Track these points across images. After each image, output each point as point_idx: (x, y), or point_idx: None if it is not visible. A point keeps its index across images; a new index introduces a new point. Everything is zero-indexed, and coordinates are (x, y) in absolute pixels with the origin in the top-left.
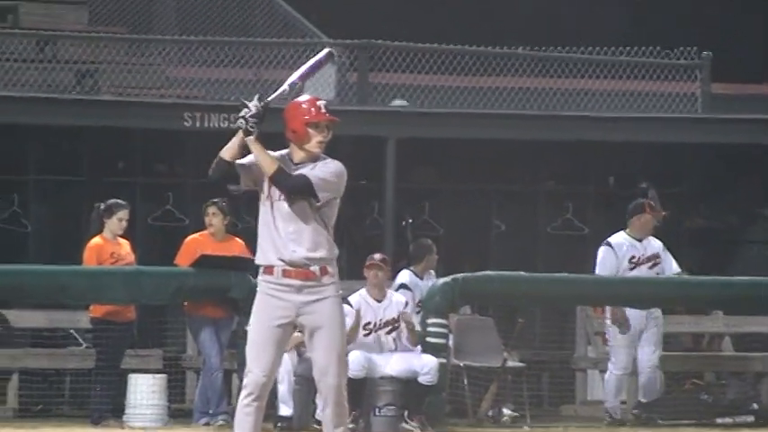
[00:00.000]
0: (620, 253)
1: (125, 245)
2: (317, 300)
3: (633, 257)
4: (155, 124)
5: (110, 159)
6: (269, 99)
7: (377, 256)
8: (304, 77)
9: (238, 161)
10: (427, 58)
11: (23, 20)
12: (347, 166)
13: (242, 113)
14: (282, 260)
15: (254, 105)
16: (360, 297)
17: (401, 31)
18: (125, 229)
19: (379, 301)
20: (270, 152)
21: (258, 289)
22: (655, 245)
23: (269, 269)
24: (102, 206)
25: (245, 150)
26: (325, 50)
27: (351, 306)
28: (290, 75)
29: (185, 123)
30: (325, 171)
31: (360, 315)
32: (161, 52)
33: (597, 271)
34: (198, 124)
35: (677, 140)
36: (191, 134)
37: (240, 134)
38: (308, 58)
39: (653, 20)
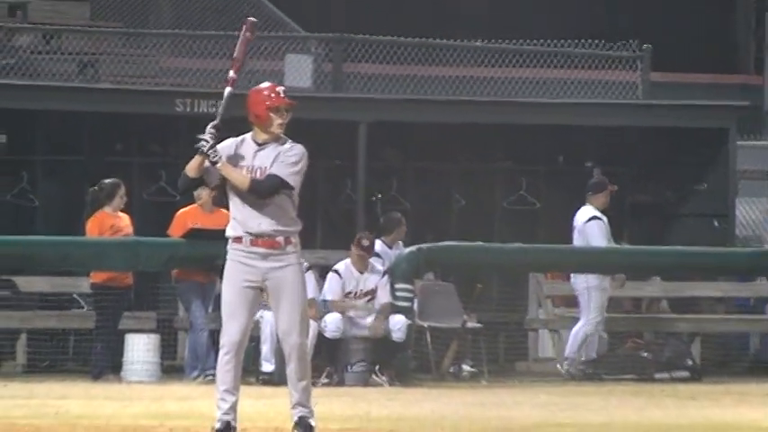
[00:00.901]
0: (605, 221)
1: (125, 218)
2: (281, 266)
3: None
4: (149, 109)
5: (109, 141)
6: (218, 118)
7: (365, 242)
8: (237, 64)
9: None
10: (395, 49)
11: (32, 15)
12: (323, 148)
13: (200, 146)
14: (250, 233)
15: (209, 135)
16: (345, 267)
17: (372, 24)
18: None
19: (362, 273)
20: (228, 141)
21: (228, 257)
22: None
23: (238, 239)
24: (97, 188)
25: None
26: (245, 24)
27: (339, 276)
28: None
29: (177, 109)
30: (289, 160)
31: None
32: (155, 45)
33: (596, 242)
34: (188, 109)
35: (620, 124)
36: (182, 118)
37: (200, 157)
38: (285, 51)
39: (599, 13)
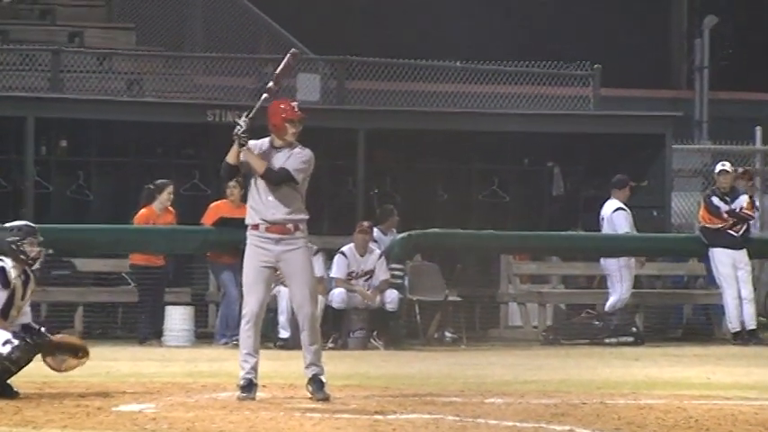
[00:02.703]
0: (629, 212)
1: (170, 214)
2: (292, 249)
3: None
4: (185, 119)
5: (151, 146)
6: (254, 111)
7: (366, 223)
8: (278, 81)
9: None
10: (389, 69)
11: (87, 41)
12: (329, 152)
13: (235, 130)
14: (265, 220)
15: (243, 122)
16: (349, 250)
17: (370, 48)
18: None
19: (362, 256)
20: (259, 141)
21: (247, 242)
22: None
23: (255, 226)
24: (153, 185)
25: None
26: (290, 53)
27: (345, 256)
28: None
29: (208, 119)
30: (299, 160)
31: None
32: (190, 65)
33: (622, 229)
34: (218, 119)
35: (575, 131)
36: (212, 127)
37: (237, 146)
38: (298, 71)
39: (557, 38)
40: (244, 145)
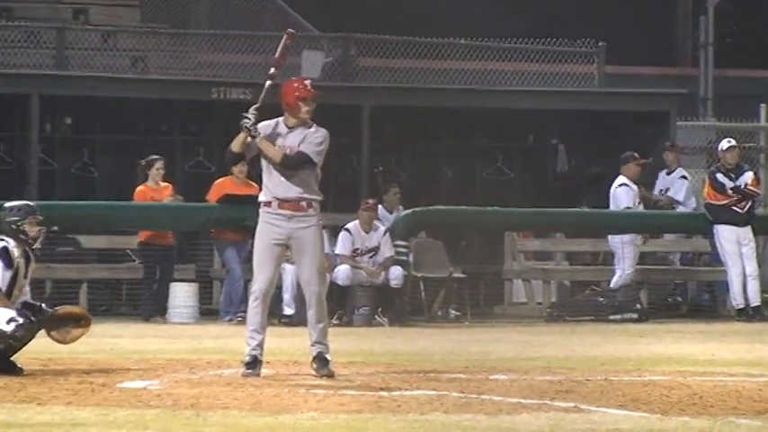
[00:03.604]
0: (633, 189)
1: (166, 188)
2: (304, 227)
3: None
4: (189, 96)
5: (156, 123)
6: (260, 100)
7: (371, 200)
8: (278, 64)
9: (247, 144)
10: (393, 46)
11: (92, 18)
12: (334, 129)
13: (243, 123)
14: (277, 197)
15: (252, 114)
16: (354, 227)
17: (374, 25)
18: (163, 175)
19: (367, 233)
20: (266, 122)
21: (260, 219)
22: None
23: (268, 203)
24: (143, 162)
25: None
26: (285, 34)
27: (350, 233)
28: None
29: (213, 96)
30: (315, 141)
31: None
32: (195, 42)
33: (623, 205)
34: (222, 96)
35: (579, 108)
36: (217, 104)
37: (244, 134)
38: (302, 48)
39: (562, 14)
40: (256, 137)
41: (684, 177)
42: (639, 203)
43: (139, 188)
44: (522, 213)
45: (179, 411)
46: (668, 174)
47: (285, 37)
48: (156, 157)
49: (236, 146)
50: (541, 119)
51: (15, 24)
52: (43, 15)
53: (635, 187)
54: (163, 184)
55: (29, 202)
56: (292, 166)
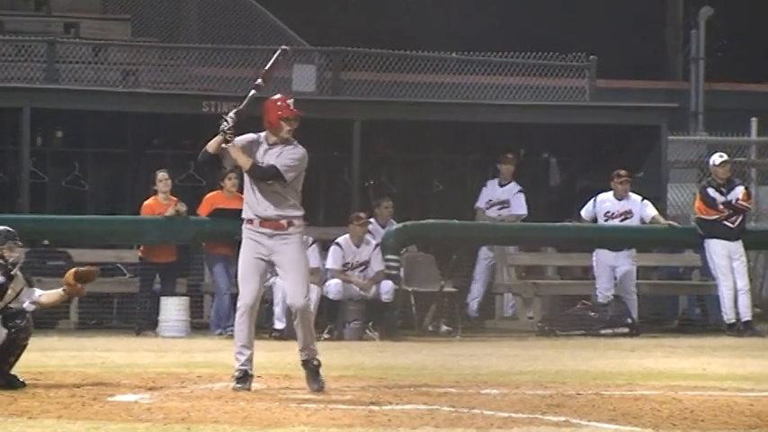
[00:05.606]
0: (601, 206)
1: (173, 201)
2: (285, 243)
3: (608, 212)
4: (180, 110)
5: (147, 136)
6: (241, 107)
7: (362, 214)
8: (266, 77)
9: (223, 148)
10: (384, 60)
11: (83, 32)
12: (324, 142)
13: (222, 126)
14: (258, 216)
15: (230, 118)
16: (344, 241)
17: (365, 39)
18: (170, 187)
19: (358, 247)
20: (249, 135)
21: (243, 235)
22: (631, 202)
23: (250, 221)
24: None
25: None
26: (279, 50)
27: (340, 247)
28: (267, 75)
29: (204, 109)
30: (290, 157)
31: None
32: (185, 56)
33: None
34: (213, 110)
35: (571, 122)
36: (208, 117)
37: (220, 136)
38: (294, 62)
39: (553, 29)
40: (230, 141)
41: (521, 191)
42: (622, 218)
43: (147, 202)
44: (513, 228)
45: (170, 425)
46: (501, 186)
47: (278, 52)
48: (156, 173)
49: (211, 147)
50: (533, 133)
51: (6, 38)
52: (34, 29)
53: (611, 203)
54: (172, 197)
55: (9, 228)
56: (259, 176)
